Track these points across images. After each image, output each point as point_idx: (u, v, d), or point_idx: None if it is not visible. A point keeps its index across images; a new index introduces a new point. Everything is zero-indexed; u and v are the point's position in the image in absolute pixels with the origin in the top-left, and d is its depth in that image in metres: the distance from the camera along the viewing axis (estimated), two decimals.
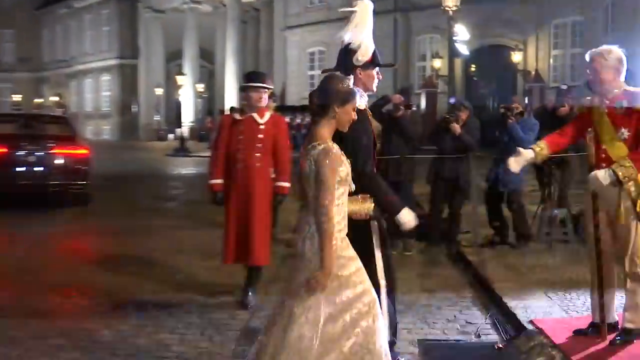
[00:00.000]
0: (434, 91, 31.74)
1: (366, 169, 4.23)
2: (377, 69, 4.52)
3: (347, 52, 4.46)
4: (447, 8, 20.09)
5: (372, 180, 4.25)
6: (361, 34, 4.44)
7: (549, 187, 9.17)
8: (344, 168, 3.65)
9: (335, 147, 3.65)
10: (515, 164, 5.18)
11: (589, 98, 5.55)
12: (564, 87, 11.66)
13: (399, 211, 4.24)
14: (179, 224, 11.55)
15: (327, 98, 3.71)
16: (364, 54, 4.43)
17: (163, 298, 6.80)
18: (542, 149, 5.20)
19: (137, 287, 7.23)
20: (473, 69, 34.15)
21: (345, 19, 4.56)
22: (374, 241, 4.34)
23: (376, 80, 4.53)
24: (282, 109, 29.18)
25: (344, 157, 3.68)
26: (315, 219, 3.57)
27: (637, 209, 4.89)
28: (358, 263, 3.74)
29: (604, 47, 5.04)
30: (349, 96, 3.76)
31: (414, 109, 10.67)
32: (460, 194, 9.09)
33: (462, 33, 27.81)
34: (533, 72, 30.97)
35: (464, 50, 29.76)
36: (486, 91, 33.78)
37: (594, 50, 5.07)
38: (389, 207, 4.29)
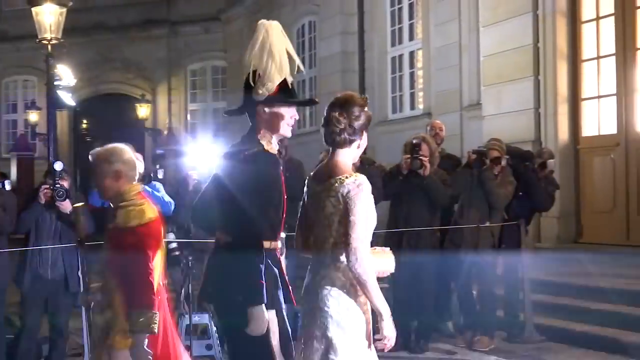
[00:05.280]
0: (29, 155, 25.13)
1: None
2: (292, 107, 3.62)
3: (247, 84, 3.64)
4: (44, 41, 12.90)
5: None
6: (263, 59, 3.55)
7: (185, 283, 7.41)
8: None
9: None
10: None
11: None
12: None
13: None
14: None
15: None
16: (267, 86, 3.56)
17: None
18: None
19: None
20: (85, 126, 27.85)
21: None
22: None
23: (290, 121, 3.63)
24: None
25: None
26: (350, 265, 3.34)
27: None
28: None
29: None
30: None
31: (7, 186, 8.32)
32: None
33: (67, 76, 21.40)
34: (166, 132, 24.98)
35: (70, 100, 22.82)
36: None
37: None
38: None
